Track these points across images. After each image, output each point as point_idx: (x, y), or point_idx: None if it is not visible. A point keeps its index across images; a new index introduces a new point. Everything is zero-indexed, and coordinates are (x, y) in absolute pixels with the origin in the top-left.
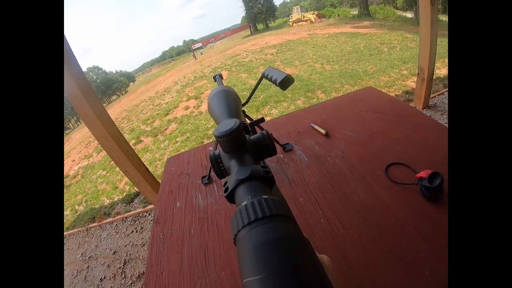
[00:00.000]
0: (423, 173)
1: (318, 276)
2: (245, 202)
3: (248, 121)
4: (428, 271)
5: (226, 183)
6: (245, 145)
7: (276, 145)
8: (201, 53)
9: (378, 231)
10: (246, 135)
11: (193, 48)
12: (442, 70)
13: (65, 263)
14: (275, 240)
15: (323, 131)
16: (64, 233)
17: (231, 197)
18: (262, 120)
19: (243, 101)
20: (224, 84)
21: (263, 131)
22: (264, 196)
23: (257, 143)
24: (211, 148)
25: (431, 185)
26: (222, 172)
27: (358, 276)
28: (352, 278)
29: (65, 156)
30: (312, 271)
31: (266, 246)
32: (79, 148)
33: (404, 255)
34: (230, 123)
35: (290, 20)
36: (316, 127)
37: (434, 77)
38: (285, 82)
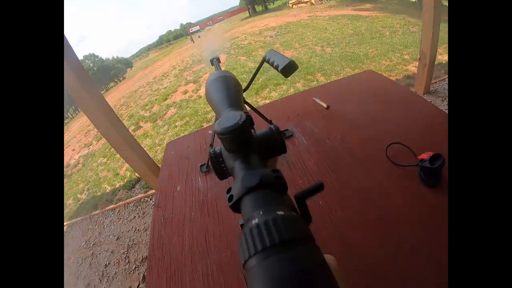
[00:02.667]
0: (425, 155)
1: None
2: (255, 220)
3: (247, 108)
4: (425, 254)
5: (230, 189)
6: (250, 143)
7: None
8: (199, 36)
9: (377, 213)
10: (252, 130)
11: (191, 31)
12: (444, 56)
13: (70, 251)
14: (297, 273)
15: (324, 105)
16: (68, 222)
17: (236, 207)
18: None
19: (243, 86)
20: (222, 68)
21: (271, 126)
22: (279, 212)
23: (264, 140)
24: (210, 132)
25: (432, 166)
26: (224, 172)
27: (356, 259)
28: (350, 261)
29: (65, 146)
30: None
31: (288, 282)
32: (79, 137)
33: (402, 238)
34: (234, 117)
35: (290, 2)
36: (317, 100)
37: (435, 63)
38: (288, 69)
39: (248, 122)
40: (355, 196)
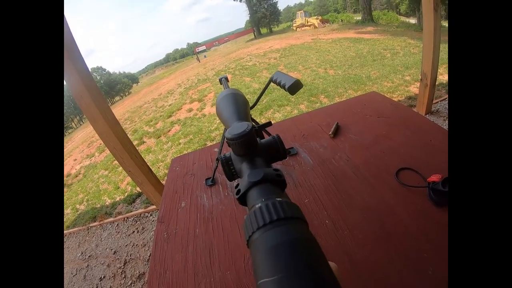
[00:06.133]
0: (435, 177)
1: (332, 275)
2: (258, 205)
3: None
4: (432, 271)
5: (238, 185)
6: (256, 148)
7: None
8: (205, 56)
9: (383, 231)
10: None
11: (197, 51)
12: (445, 76)
13: (64, 261)
14: (290, 242)
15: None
16: (65, 232)
17: (243, 199)
18: (269, 124)
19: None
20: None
21: (274, 135)
22: (278, 199)
23: (268, 147)
24: (216, 150)
25: (444, 189)
26: (232, 174)
27: (363, 276)
28: (357, 278)
29: (67, 155)
30: (326, 271)
31: (281, 248)
32: (82, 148)
33: (409, 256)
34: (242, 126)
35: (294, 24)
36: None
37: (436, 83)
38: (294, 87)
39: (254, 130)
40: (362, 214)
